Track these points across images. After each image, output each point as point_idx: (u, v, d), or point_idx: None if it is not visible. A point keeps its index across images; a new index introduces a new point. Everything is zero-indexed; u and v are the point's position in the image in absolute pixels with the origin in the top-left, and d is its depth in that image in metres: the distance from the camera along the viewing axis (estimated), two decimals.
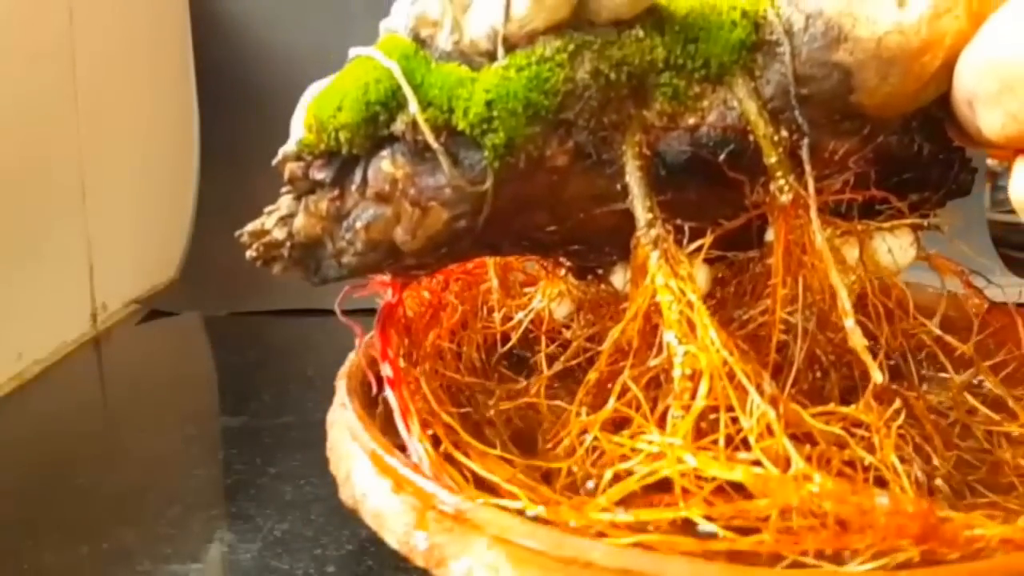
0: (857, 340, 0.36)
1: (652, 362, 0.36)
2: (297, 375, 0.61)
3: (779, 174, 0.38)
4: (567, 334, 0.47)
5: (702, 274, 0.40)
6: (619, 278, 0.43)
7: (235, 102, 0.90)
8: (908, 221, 0.41)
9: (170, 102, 0.88)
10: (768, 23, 0.38)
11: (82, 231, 0.66)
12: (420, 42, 0.37)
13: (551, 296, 0.47)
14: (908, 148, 0.40)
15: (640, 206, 0.37)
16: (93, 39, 0.68)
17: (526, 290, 0.49)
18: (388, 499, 0.34)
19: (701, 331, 0.34)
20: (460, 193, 0.36)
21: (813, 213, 0.37)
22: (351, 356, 0.43)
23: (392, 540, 0.34)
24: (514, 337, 0.47)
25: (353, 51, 0.38)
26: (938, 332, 0.43)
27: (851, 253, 0.41)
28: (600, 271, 0.44)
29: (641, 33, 0.37)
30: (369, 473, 0.36)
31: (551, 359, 0.46)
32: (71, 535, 0.43)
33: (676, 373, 0.34)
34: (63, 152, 0.65)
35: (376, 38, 0.38)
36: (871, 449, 0.33)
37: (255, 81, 0.90)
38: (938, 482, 0.37)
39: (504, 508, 0.32)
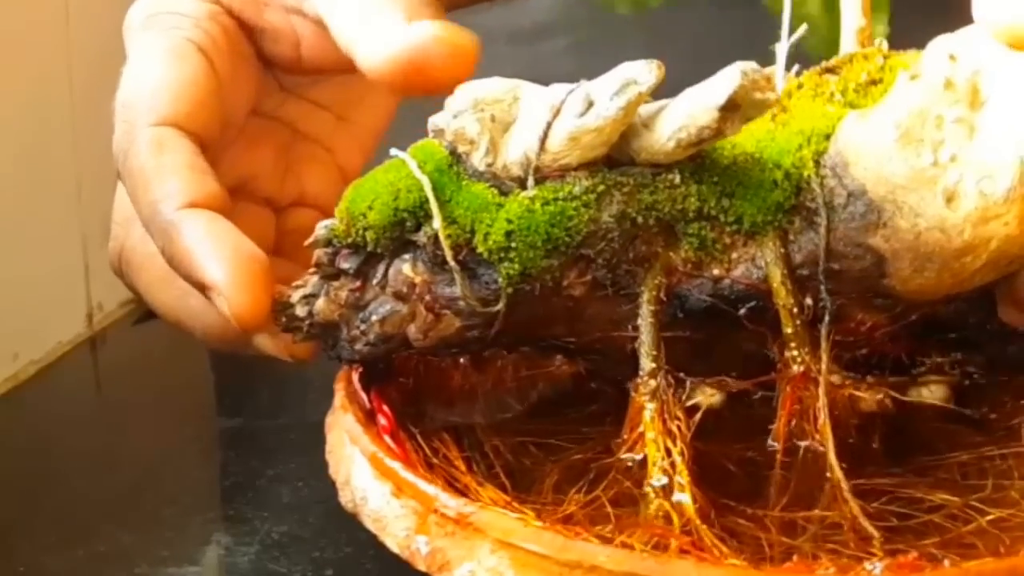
0: (855, 511, 0.35)
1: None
2: (295, 377, 0.61)
3: (793, 345, 0.37)
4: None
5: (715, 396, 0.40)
6: None
7: None
8: (944, 378, 0.41)
9: None
10: (810, 189, 0.37)
11: (78, 231, 0.66)
12: (456, 156, 0.38)
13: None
14: (952, 313, 0.39)
15: (646, 353, 0.37)
16: (90, 38, 0.67)
17: None
18: (389, 503, 0.34)
19: (679, 491, 0.35)
20: (472, 308, 0.37)
21: (822, 397, 0.37)
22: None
23: (393, 544, 0.34)
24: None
25: (393, 152, 0.39)
26: None
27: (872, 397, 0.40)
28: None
29: (677, 179, 0.37)
30: (369, 477, 0.36)
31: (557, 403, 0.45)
32: (67, 537, 0.43)
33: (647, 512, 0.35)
34: (59, 152, 0.65)
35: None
36: None
37: None
38: None
39: (507, 512, 0.31)
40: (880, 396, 0.39)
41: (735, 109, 0.35)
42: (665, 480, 0.35)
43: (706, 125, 0.35)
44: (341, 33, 0.43)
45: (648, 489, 0.35)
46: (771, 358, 0.39)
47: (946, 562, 0.31)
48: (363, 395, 0.40)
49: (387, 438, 0.37)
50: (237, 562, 0.41)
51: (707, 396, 0.40)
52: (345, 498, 0.37)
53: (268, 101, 0.50)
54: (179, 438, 0.53)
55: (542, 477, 0.38)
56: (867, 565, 0.30)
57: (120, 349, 0.67)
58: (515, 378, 0.46)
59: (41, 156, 0.63)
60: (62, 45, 0.65)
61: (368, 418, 0.38)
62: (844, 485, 0.35)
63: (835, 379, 0.38)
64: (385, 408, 0.39)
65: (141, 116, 0.43)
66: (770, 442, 0.38)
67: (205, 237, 0.40)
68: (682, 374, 0.38)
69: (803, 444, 0.38)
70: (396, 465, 0.35)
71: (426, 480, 0.33)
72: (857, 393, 0.39)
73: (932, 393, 0.41)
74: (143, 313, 0.63)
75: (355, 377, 0.40)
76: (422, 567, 0.32)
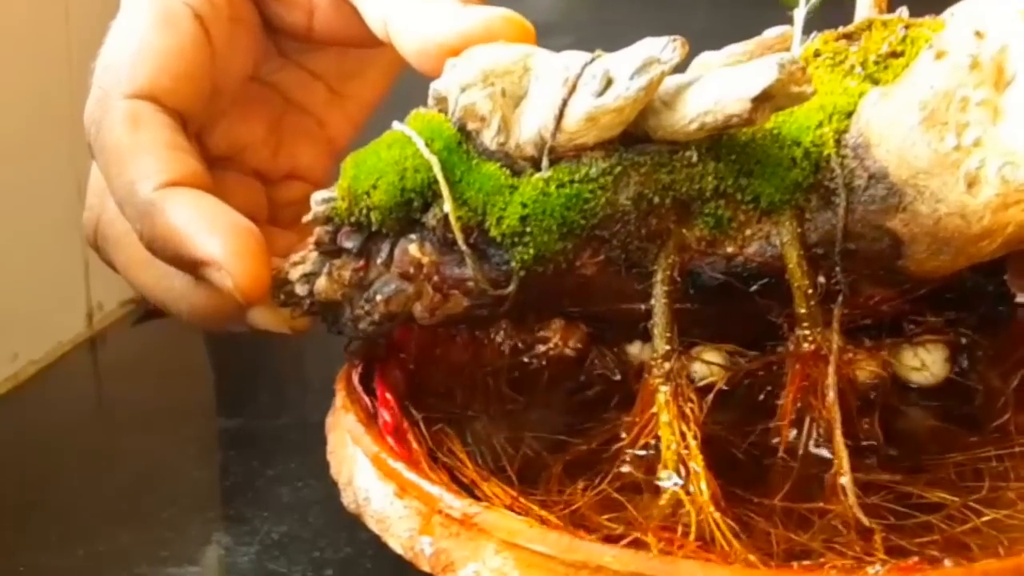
0: (850, 495, 0.35)
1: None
2: (295, 376, 0.61)
3: (806, 325, 0.37)
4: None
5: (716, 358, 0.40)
6: (635, 348, 0.43)
7: None
8: (942, 337, 0.41)
9: None
10: (829, 169, 0.36)
11: (78, 231, 0.66)
12: (465, 134, 0.36)
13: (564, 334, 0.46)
14: (950, 277, 0.39)
15: (659, 335, 0.37)
16: (89, 38, 0.67)
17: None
18: (392, 504, 0.34)
19: (694, 479, 0.34)
20: (483, 290, 0.37)
21: (832, 375, 0.36)
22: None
23: (396, 545, 0.33)
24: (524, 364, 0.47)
25: (396, 125, 0.38)
26: None
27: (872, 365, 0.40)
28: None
29: (695, 157, 0.36)
30: (372, 477, 0.35)
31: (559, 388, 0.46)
32: (67, 537, 0.43)
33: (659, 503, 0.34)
34: (58, 151, 0.64)
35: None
36: None
37: None
38: None
39: (512, 512, 0.31)
40: (878, 365, 0.40)
41: (768, 100, 0.33)
42: (680, 469, 0.35)
43: (736, 114, 0.34)
44: (378, 8, 0.41)
45: (662, 476, 0.35)
46: (775, 331, 0.38)
47: (947, 562, 0.31)
48: (361, 390, 0.40)
49: (390, 439, 0.37)
50: (237, 562, 0.41)
51: (709, 366, 0.40)
52: (347, 499, 0.37)
53: (265, 66, 0.48)
54: (179, 438, 0.53)
55: (548, 468, 0.38)
56: (870, 569, 0.30)
57: (120, 349, 0.67)
58: (513, 361, 0.46)
59: (41, 156, 0.63)
60: (62, 45, 0.65)
61: (370, 417, 0.38)
62: (847, 473, 0.35)
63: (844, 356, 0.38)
64: (388, 397, 0.39)
65: (118, 85, 0.41)
66: (775, 422, 0.38)
67: (194, 213, 0.38)
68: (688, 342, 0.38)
69: (807, 425, 0.38)
70: (399, 466, 0.34)
71: (430, 481, 0.33)
72: (857, 358, 0.39)
73: (929, 354, 0.41)
74: (143, 313, 0.63)
75: (356, 371, 0.40)
76: (426, 568, 0.32)
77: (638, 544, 0.31)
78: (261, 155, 0.48)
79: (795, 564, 0.31)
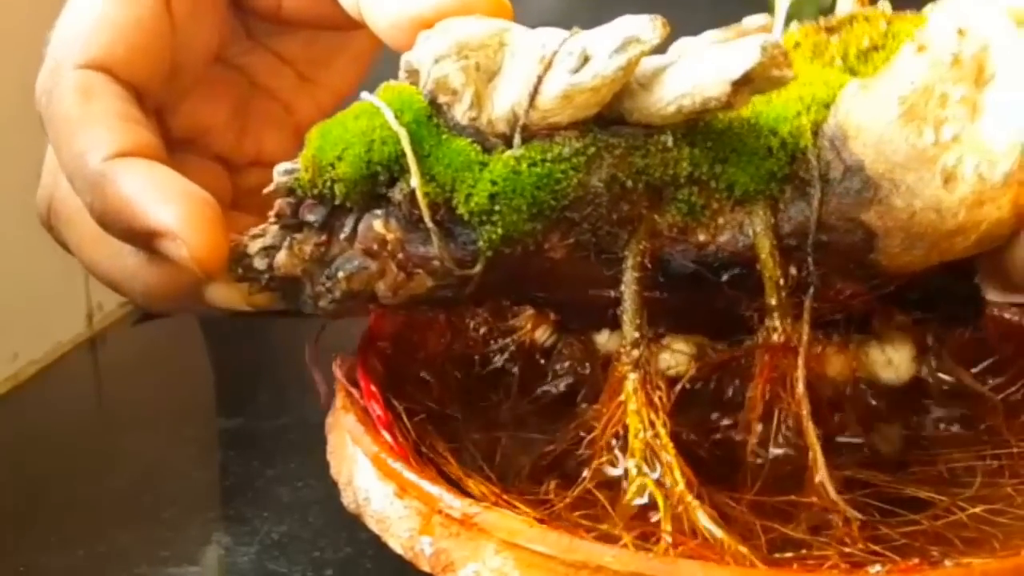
0: (830, 493, 0.35)
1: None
2: (295, 376, 0.60)
3: (776, 315, 0.36)
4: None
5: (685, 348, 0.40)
6: (603, 337, 0.43)
7: None
8: (907, 334, 0.40)
9: None
10: (805, 160, 0.36)
11: None
12: (436, 107, 0.35)
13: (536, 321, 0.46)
14: (918, 277, 0.38)
15: (629, 322, 0.36)
16: None
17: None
18: (392, 504, 0.34)
19: (664, 468, 0.34)
20: (448, 269, 0.36)
21: (801, 367, 0.36)
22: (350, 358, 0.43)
23: (396, 545, 0.33)
24: (495, 359, 0.46)
25: (365, 96, 0.36)
26: None
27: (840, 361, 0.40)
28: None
29: (670, 142, 0.35)
30: (372, 477, 0.35)
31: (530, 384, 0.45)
32: (67, 537, 0.43)
33: (626, 497, 0.34)
34: None
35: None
36: None
37: None
38: None
39: (511, 512, 0.31)
40: (847, 360, 0.40)
41: (748, 83, 0.33)
42: (650, 458, 0.34)
43: (715, 97, 0.33)
44: None
45: (630, 467, 0.35)
46: (744, 324, 0.38)
47: (947, 562, 0.31)
48: (345, 382, 0.39)
49: (386, 434, 0.37)
50: (237, 562, 0.41)
51: (676, 356, 0.40)
52: (347, 499, 0.37)
53: (232, 47, 0.47)
54: (179, 438, 0.53)
55: (519, 467, 0.38)
56: (871, 569, 0.30)
57: (120, 349, 0.67)
58: (485, 351, 0.45)
59: (41, 156, 0.63)
60: None
61: (369, 417, 0.38)
62: (821, 468, 0.35)
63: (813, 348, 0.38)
64: (373, 389, 0.39)
65: (71, 56, 0.39)
66: (742, 414, 0.38)
67: (146, 183, 0.36)
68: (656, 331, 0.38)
69: (776, 418, 0.37)
70: (399, 466, 0.34)
71: (430, 481, 0.33)
72: (826, 353, 0.39)
73: (897, 352, 0.41)
74: (143, 313, 0.63)
75: (338, 363, 0.40)
76: (426, 568, 0.32)
77: (609, 540, 0.31)
78: (225, 139, 0.47)
79: (795, 564, 0.31)
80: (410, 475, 0.34)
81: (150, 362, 0.64)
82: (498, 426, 0.42)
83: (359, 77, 0.50)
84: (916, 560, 0.31)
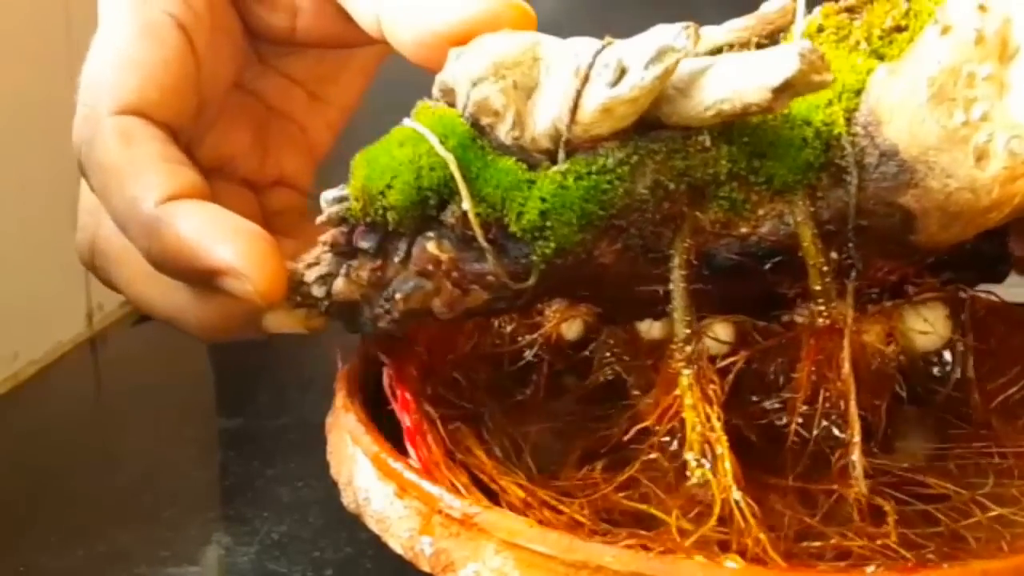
0: (859, 476, 0.36)
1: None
2: (295, 376, 0.61)
3: (821, 301, 0.37)
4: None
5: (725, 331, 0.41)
6: (644, 324, 0.43)
7: None
8: (940, 294, 0.41)
9: None
10: (840, 147, 0.36)
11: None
12: (478, 128, 0.36)
13: (562, 317, 0.46)
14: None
15: (679, 319, 0.37)
16: (90, 38, 0.67)
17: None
18: (392, 504, 0.34)
19: (719, 462, 0.35)
20: (503, 283, 0.36)
21: (847, 348, 0.37)
22: (351, 357, 0.43)
23: (397, 546, 0.33)
24: (526, 355, 0.47)
25: (407, 122, 0.37)
26: None
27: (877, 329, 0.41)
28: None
29: (708, 141, 0.35)
30: (372, 477, 0.35)
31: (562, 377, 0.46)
32: (67, 537, 0.42)
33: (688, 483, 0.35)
34: (59, 151, 0.64)
35: None
36: None
37: None
38: None
39: (511, 512, 0.31)
40: (884, 329, 0.40)
41: (788, 89, 0.33)
42: (705, 450, 0.35)
43: (755, 103, 0.33)
44: (368, 3, 0.40)
45: (689, 458, 0.35)
46: (783, 301, 0.39)
47: (945, 564, 0.31)
48: (389, 393, 0.40)
49: (408, 445, 0.37)
50: (237, 562, 0.41)
51: (718, 337, 0.40)
52: (347, 499, 0.36)
53: (246, 73, 0.48)
54: (179, 438, 0.53)
55: (566, 458, 0.38)
56: (867, 569, 0.30)
57: (120, 349, 0.67)
58: (514, 348, 0.46)
59: (41, 156, 0.63)
60: (62, 45, 0.65)
61: (370, 417, 0.38)
62: (858, 448, 0.36)
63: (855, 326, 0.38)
64: (408, 398, 0.39)
65: (104, 102, 0.40)
66: (789, 393, 0.39)
67: (202, 224, 0.38)
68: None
69: (820, 400, 0.38)
70: (399, 466, 0.34)
71: (430, 481, 0.33)
72: (865, 326, 0.39)
73: (932, 312, 0.41)
74: (143, 313, 0.63)
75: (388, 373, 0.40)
76: (426, 568, 0.32)
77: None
78: (249, 164, 0.48)
79: (793, 562, 0.32)
80: (410, 475, 0.34)
81: (150, 362, 0.64)
82: (537, 419, 0.42)
83: (363, 91, 0.51)
84: (912, 562, 0.31)
